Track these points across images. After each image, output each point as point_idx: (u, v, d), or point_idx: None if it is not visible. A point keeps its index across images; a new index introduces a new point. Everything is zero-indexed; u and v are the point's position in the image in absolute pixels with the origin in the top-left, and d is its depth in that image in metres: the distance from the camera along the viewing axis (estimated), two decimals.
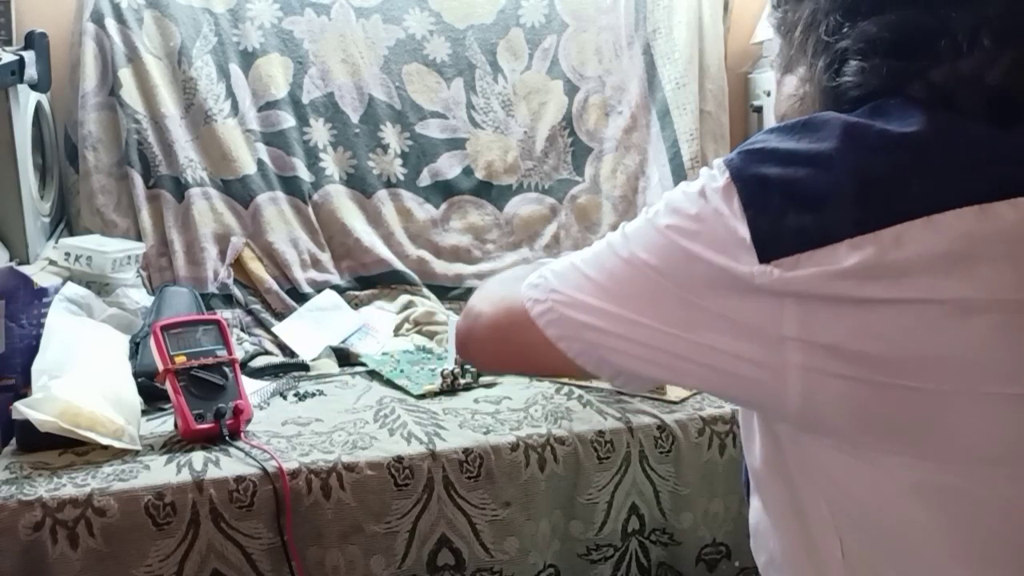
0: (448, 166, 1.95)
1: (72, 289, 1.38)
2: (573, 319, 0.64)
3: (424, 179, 1.93)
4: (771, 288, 0.56)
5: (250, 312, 1.73)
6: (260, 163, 1.83)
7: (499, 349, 0.72)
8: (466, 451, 1.14)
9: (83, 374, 1.16)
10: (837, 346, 0.56)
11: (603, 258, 0.65)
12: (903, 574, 0.60)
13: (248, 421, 1.19)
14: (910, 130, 0.56)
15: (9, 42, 1.65)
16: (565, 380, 1.37)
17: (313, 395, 1.36)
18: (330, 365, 1.54)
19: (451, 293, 1.87)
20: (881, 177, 0.56)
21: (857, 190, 0.56)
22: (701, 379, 0.62)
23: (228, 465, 1.08)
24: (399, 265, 1.85)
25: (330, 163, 1.89)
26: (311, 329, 1.67)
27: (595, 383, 1.33)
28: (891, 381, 0.56)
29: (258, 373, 1.48)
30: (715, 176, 0.60)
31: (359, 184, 1.90)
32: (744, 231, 0.57)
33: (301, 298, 1.77)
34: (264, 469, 1.07)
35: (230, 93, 1.84)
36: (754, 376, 0.59)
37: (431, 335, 1.66)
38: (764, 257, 0.56)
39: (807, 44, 0.65)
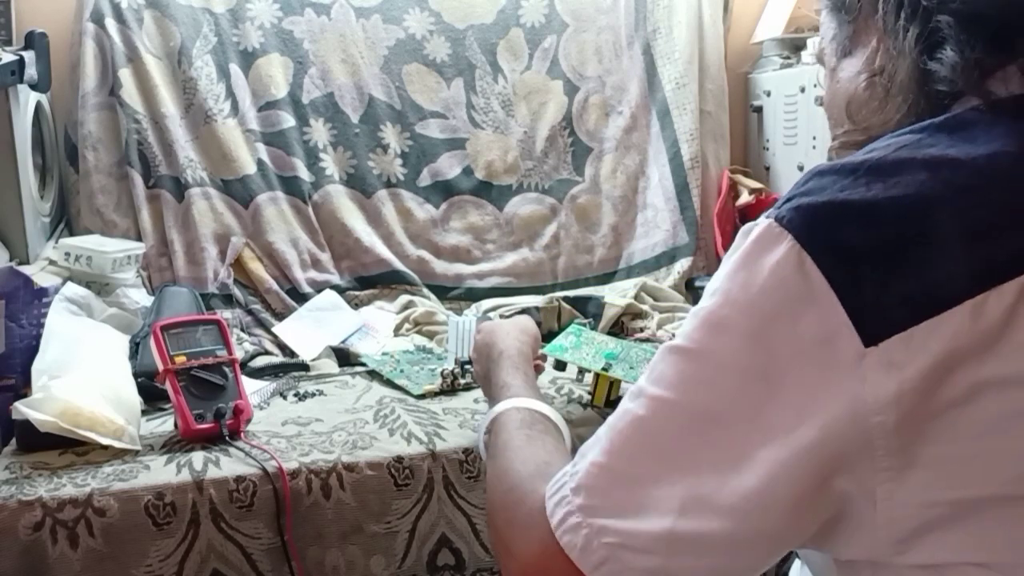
0: (448, 166, 1.95)
1: (72, 289, 1.38)
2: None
3: (424, 179, 1.93)
4: (876, 384, 0.46)
5: (250, 312, 1.73)
6: (260, 163, 1.83)
7: None
8: (466, 451, 1.14)
9: (83, 374, 1.16)
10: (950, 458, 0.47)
11: (627, 427, 0.55)
12: None
13: (248, 421, 1.19)
14: (1007, 159, 0.48)
15: (9, 42, 1.65)
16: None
17: (313, 395, 1.36)
18: (330, 365, 1.54)
19: (451, 293, 1.87)
20: (991, 221, 0.47)
21: (967, 240, 0.47)
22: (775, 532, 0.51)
23: (228, 465, 1.08)
24: (399, 265, 1.85)
25: (330, 163, 1.89)
26: (311, 329, 1.67)
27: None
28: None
29: (258, 373, 1.48)
30: (767, 245, 0.49)
31: (359, 184, 1.90)
32: (836, 310, 0.47)
33: (301, 298, 1.77)
34: (264, 469, 1.07)
35: (230, 93, 1.84)
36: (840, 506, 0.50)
37: (431, 335, 1.66)
38: (870, 338, 0.46)
39: (889, 12, 0.57)
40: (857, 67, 0.61)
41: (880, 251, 0.47)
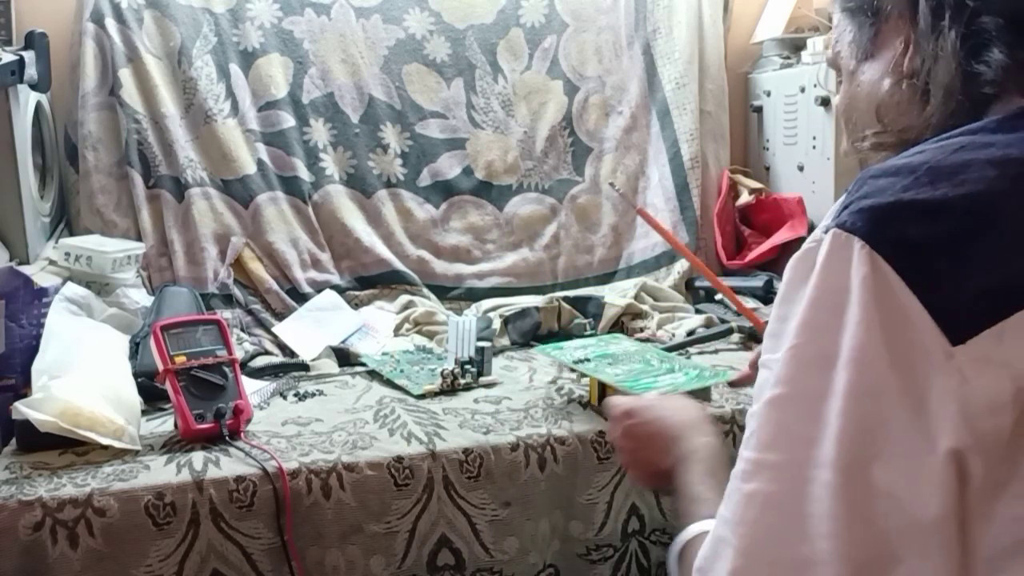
0: (448, 166, 1.95)
1: (72, 289, 1.38)
2: None
3: (424, 179, 1.93)
4: (985, 385, 0.44)
5: (250, 312, 1.73)
6: (260, 163, 1.83)
7: None
8: (466, 451, 1.14)
9: (83, 374, 1.16)
10: None
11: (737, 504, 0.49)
12: None
13: (248, 421, 1.19)
14: None
15: (9, 42, 1.65)
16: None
17: (313, 395, 1.36)
18: (330, 365, 1.53)
19: (451, 293, 1.87)
20: None
21: None
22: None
23: (228, 465, 1.08)
24: (399, 265, 1.85)
25: (330, 163, 1.89)
26: (311, 329, 1.67)
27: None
28: None
29: (258, 373, 1.48)
30: (837, 254, 0.47)
31: (359, 184, 1.90)
32: (915, 309, 0.45)
33: (301, 298, 1.77)
34: (264, 469, 1.07)
35: (230, 93, 1.84)
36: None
37: (431, 335, 1.66)
38: (957, 336, 0.44)
39: (929, 13, 0.55)
40: (881, 70, 0.60)
41: (953, 245, 0.45)
